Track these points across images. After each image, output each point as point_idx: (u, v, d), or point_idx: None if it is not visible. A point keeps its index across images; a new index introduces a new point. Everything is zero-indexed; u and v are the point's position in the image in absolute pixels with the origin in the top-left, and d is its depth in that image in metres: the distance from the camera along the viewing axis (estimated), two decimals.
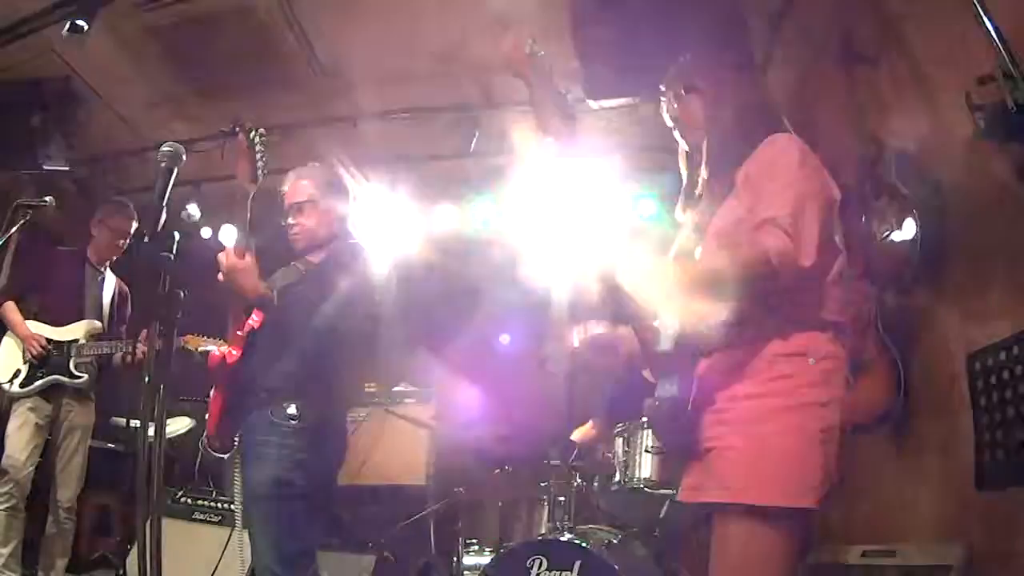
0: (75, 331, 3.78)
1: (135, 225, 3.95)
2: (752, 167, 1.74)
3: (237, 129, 2.59)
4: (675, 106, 1.94)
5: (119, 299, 4.04)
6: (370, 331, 2.60)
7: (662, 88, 1.98)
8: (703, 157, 1.89)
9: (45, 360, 3.66)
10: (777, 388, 1.63)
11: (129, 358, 3.68)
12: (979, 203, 2.34)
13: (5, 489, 3.46)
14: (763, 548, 1.59)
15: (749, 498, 1.58)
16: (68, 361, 3.71)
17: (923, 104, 2.66)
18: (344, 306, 2.44)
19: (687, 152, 1.97)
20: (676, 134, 1.97)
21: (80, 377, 3.72)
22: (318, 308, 2.41)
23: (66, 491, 3.63)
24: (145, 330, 3.92)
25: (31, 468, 3.55)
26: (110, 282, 4.01)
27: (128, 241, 3.98)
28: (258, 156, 2.55)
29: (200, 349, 3.29)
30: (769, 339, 1.66)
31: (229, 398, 2.52)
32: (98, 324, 3.87)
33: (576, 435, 3.80)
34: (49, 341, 3.70)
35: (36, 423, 3.60)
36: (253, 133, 2.56)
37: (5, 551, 3.42)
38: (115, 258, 4.03)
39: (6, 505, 3.45)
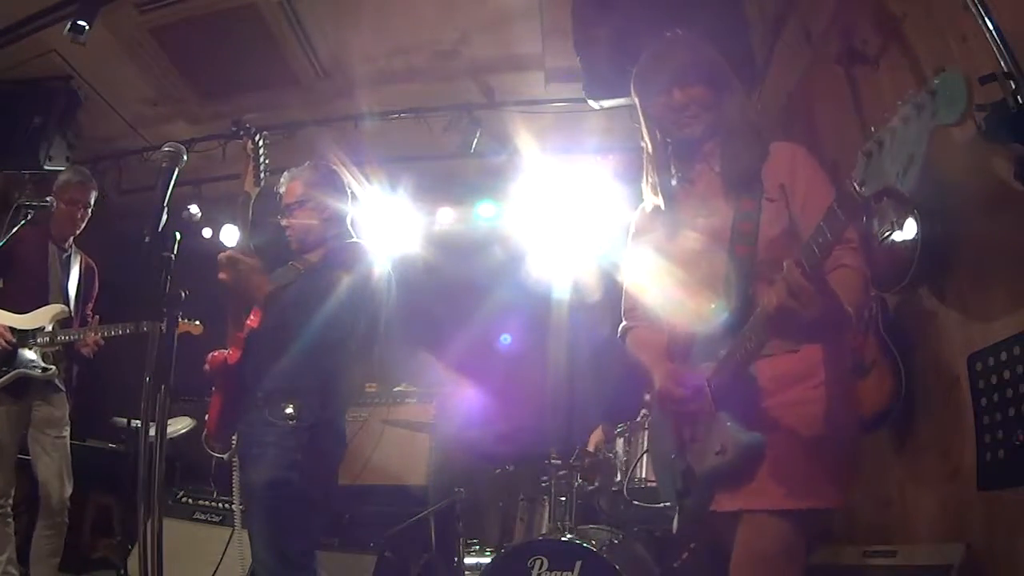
0: (41, 317, 3.48)
1: (94, 194, 3.71)
2: (786, 177, 1.72)
3: (242, 133, 2.59)
4: (687, 91, 1.80)
5: (85, 278, 3.74)
6: (368, 331, 2.59)
7: (664, 60, 1.85)
8: (703, 150, 1.84)
9: (11, 353, 3.37)
10: (820, 395, 1.64)
11: (90, 346, 3.46)
12: (980, 203, 2.34)
13: None
14: (798, 547, 1.61)
15: (811, 502, 1.58)
16: (35, 351, 3.43)
17: None
18: (342, 305, 2.42)
19: (667, 140, 1.88)
20: (663, 120, 1.85)
21: (49, 369, 3.44)
22: (315, 307, 2.39)
23: (56, 489, 3.39)
24: (96, 316, 3.70)
25: (11, 473, 3.36)
26: (76, 260, 3.72)
27: (89, 212, 3.70)
28: (262, 160, 2.55)
29: (188, 331, 3.25)
30: (809, 347, 1.66)
31: (229, 399, 2.52)
32: (65, 308, 3.57)
33: (591, 443, 3.81)
34: (13, 331, 3.39)
35: (8, 423, 3.36)
36: (258, 137, 2.56)
37: (3, 557, 3.28)
38: (78, 232, 3.71)
39: None
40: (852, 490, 1.67)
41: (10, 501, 3.36)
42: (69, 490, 3.45)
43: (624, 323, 2.04)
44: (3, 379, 3.35)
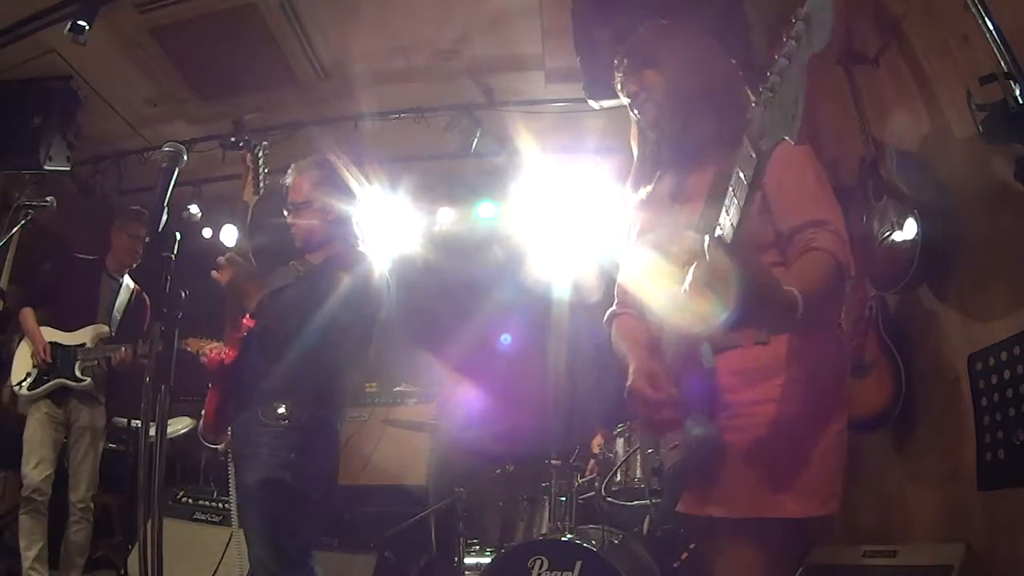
0: (83, 335, 3.83)
1: None
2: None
3: (241, 144, 2.59)
4: (635, 78, 1.76)
5: (135, 305, 4.06)
6: (366, 333, 2.58)
7: (621, 60, 1.80)
8: (666, 135, 1.73)
9: (52, 364, 3.73)
10: (794, 393, 1.51)
11: (121, 361, 3.72)
12: (980, 203, 2.34)
13: (27, 494, 3.52)
14: (781, 557, 1.53)
15: (775, 512, 1.46)
16: (74, 365, 3.75)
17: (923, 104, 2.66)
18: (340, 310, 2.41)
19: (644, 131, 1.80)
20: (633, 110, 1.80)
21: (84, 380, 3.75)
22: (312, 311, 2.38)
23: (77, 492, 3.69)
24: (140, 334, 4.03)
25: (49, 472, 3.60)
26: (126, 288, 4.05)
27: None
28: (261, 170, 2.55)
29: (202, 351, 3.28)
30: (781, 340, 1.54)
31: (224, 398, 2.52)
32: (105, 328, 3.90)
33: (594, 446, 3.80)
34: (57, 346, 3.75)
35: (50, 428, 3.66)
36: (258, 149, 2.56)
37: (31, 553, 3.47)
38: (134, 265, 4.06)
39: (27, 508, 3.51)
40: (833, 498, 1.52)
41: (45, 498, 3.58)
42: (91, 492, 3.74)
43: (612, 308, 1.91)
44: (45, 387, 3.72)
